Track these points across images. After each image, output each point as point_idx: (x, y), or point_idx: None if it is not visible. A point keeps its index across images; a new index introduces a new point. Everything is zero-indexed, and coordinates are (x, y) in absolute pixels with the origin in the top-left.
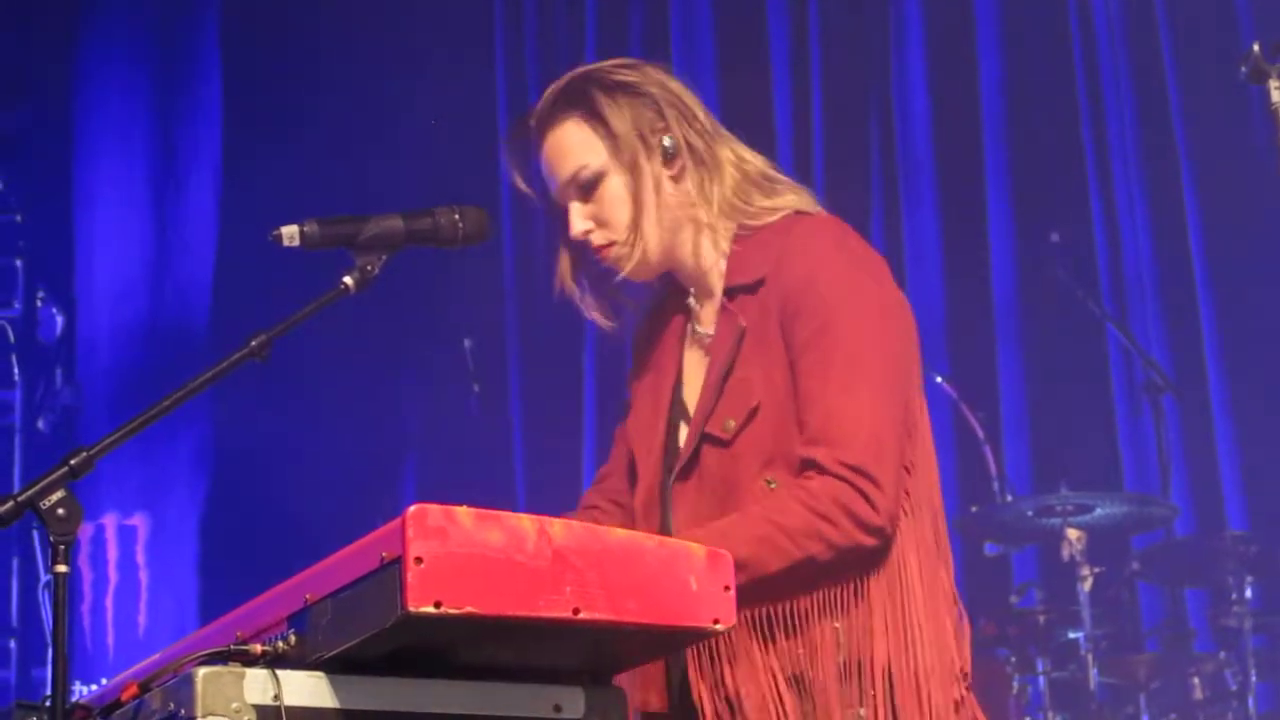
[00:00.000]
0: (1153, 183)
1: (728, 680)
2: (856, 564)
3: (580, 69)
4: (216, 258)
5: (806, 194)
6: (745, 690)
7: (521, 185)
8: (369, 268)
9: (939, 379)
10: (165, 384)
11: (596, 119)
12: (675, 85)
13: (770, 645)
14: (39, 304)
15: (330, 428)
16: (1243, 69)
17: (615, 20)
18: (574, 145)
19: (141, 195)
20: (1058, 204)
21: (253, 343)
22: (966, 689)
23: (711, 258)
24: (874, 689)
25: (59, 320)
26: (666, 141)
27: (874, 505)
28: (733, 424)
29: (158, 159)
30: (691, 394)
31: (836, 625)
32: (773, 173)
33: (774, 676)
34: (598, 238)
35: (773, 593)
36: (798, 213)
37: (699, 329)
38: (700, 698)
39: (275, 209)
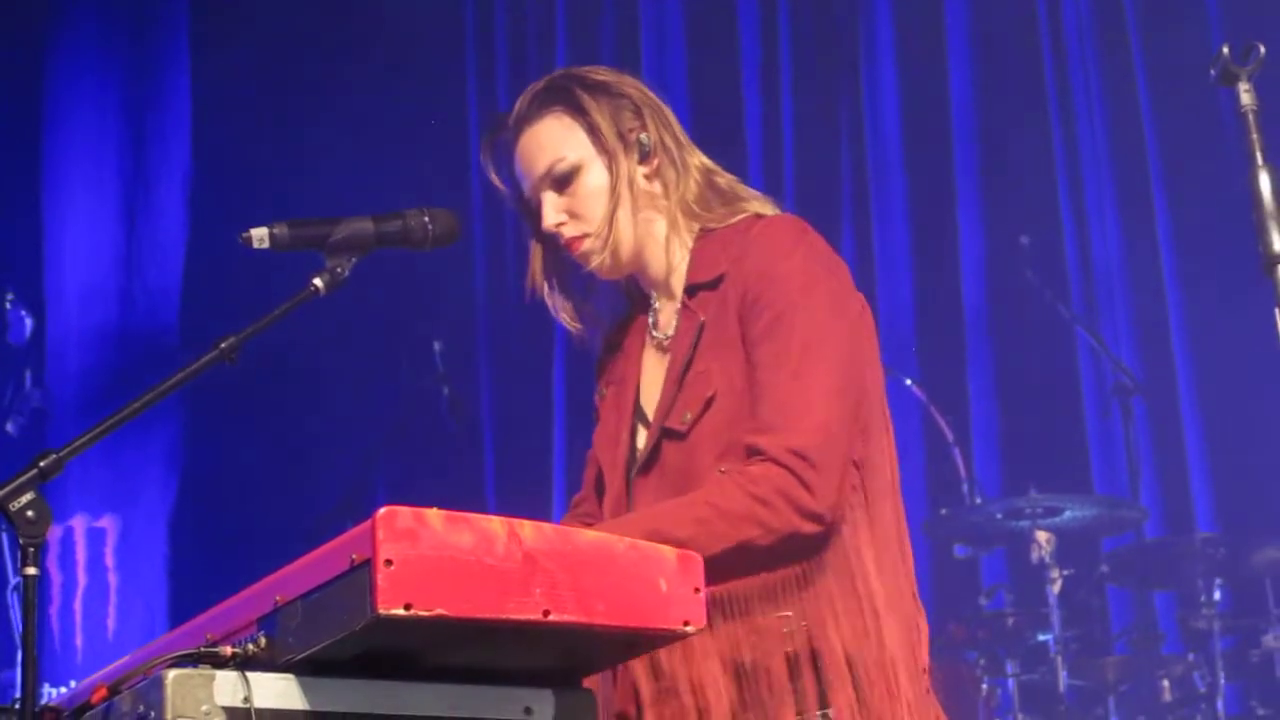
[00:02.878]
0: (1122, 186)
1: (663, 662)
2: (798, 551)
3: (561, 71)
4: (186, 260)
5: (770, 203)
6: (680, 673)
7: (497, 182)
8: (339, 270)
9: (908, 382)
10: (135, 386)
11: (578, 112)
12: (648, 91)
13: (710, 630)
14: (8, 306)
15: (299, 430)
16: (1213, 72)
17: (585, 31)
18: (553, 138)
19: (111, 197)
20: (1027, 207)
21: (222, 345)
22: (928, 688)
23: (674, 260)
24: (837, 680)
25: (28, 322)
26: (643, 139)
27: (813, 492)
28: (689, 416)
29: (127, 161)
30: (650, 398)
31: (785, 613)
32: (740, 187)
33: (713, 660)
34: (570, 229)
35: (712, 576)
36: (757, 215)
37: (657, 333)
38: (638, 680)
39: (245, 211)
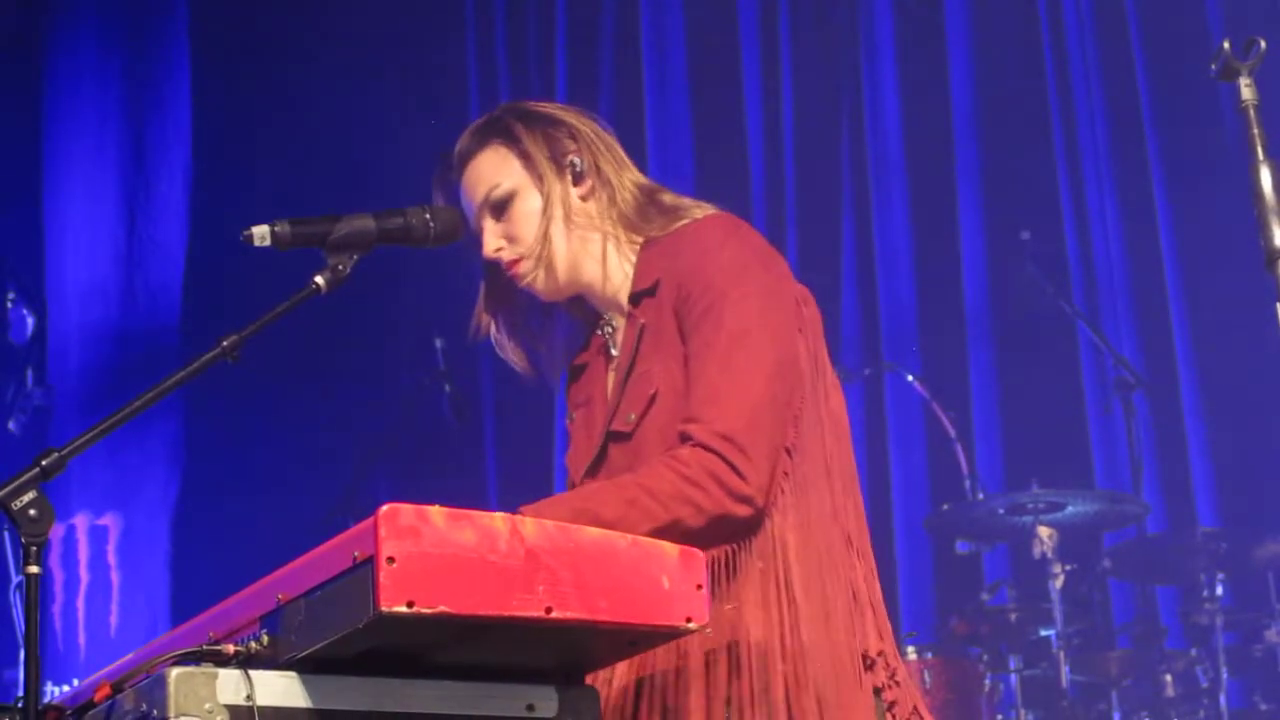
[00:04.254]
0: (1123, 181)
1: None
2: (727, 535)
3: (501, 105)
4: (187, 257)
5: (712, 209)
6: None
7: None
8: (340, 267)
9: (910, 378)
10: (136, 384)
11: (511, 141)
12: (593, 122)
13: None
14: (9, 305)
15: (301, 427)
16: (1213, 67)
17: (586, 31)
18: (489, 168)
19: (111, 195)
20: (1028, 202)
21: (224, 343)
22: (891, 677)
23: (620, 275)
24: (748, 668)
25: (30, 321)
26: (575, 161)
27: (742, 475)
28: (633, 416)
29: (128, 159)
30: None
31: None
32: (686, 201)
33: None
34: (507, 254)
35: None
36: (694, 219)
37: (614, 351)
38: None
39: (245, 209)
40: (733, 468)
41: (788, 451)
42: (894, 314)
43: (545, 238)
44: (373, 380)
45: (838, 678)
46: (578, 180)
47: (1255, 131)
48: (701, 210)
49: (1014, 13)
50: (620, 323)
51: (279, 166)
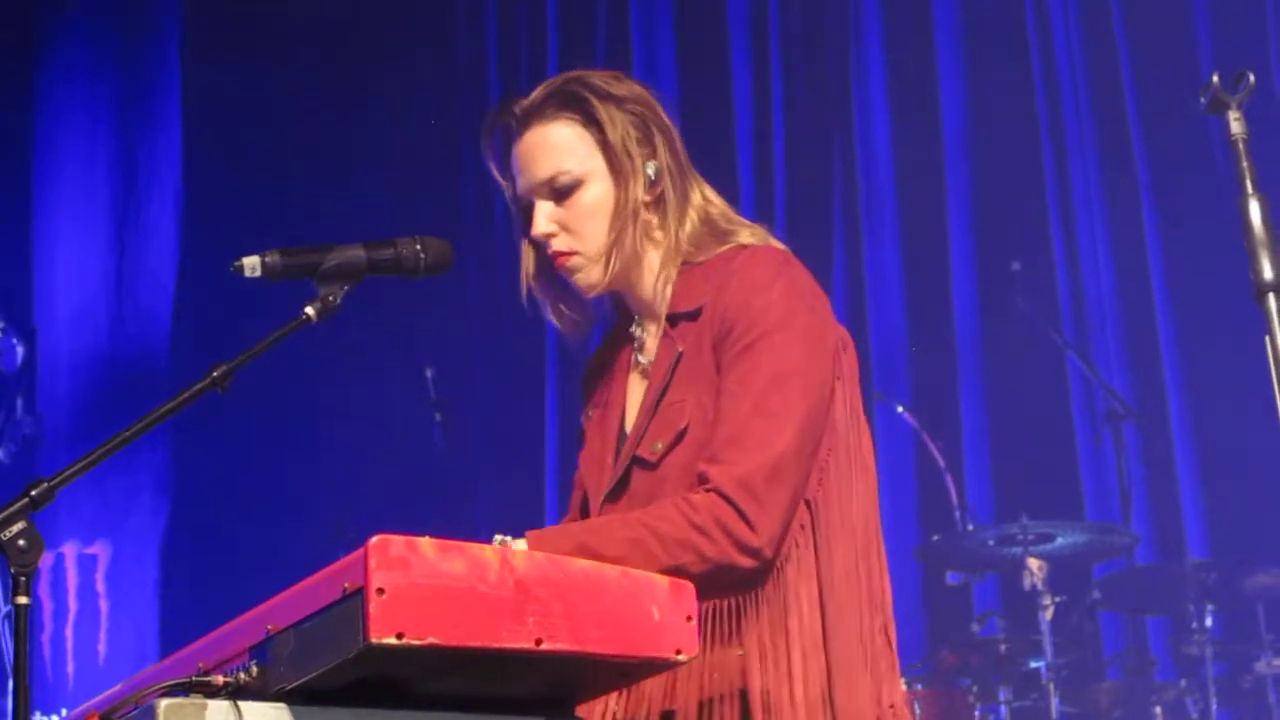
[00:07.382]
0: (1113, 212)
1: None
2: (733, 584)
3: (574, 72)
4: (177, 286)
5: (762, 231)
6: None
7: (494, 172)
8: (331, 298)
9: (900, 409)
10: (126, 413)
11: (592, 126)
12: (660, 109)
13: None
14: None
15: (291, 457)
16: (1203, 100)
17: (577, 65)
18: (560, 146)
19: (102, 224)
20: (1019, 233)
21: (214, 373)
22: None
23: (663, 284)
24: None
25: (19, 350)
26: (650, 168)
27: (753, 526)
28: (660, 446)
29: (118, 187)
30: (633, 423)
31: (714, 652)
32: (733, 215)
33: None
34: (560, 243)
35: None
36: (742, 246)
37: (642, 358)
38: None
39: (236, 234)
40: (743, 517)
41: (808, 504)
42: (884, 345)
43: (608, 246)
44: (363, 410)
45: None
46: (649, 185)
47: (1244, 165)
48: (751, 234)
49: (1004, 45)
50: (653, 331)
51: (270, 193)
